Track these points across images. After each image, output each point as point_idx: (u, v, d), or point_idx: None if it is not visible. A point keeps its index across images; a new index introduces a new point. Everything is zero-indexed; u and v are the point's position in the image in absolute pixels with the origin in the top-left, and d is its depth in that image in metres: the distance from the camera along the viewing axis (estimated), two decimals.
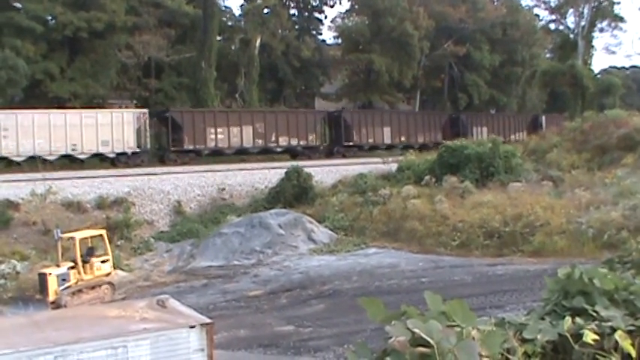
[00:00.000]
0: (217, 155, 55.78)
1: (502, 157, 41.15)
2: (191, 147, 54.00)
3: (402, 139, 66.74)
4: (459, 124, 71.31)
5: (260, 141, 57.79)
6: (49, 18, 57.72)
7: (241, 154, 57.17)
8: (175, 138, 53.67)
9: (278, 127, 58.84)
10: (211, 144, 55.07)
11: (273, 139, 58.60)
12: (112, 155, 50.27)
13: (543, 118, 79.28)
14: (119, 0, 59.30)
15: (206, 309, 21.91)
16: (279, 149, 59.43)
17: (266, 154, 58.35)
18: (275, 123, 58.84)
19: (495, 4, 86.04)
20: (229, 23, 73.05)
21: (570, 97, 74.60)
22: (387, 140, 65.97)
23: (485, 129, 71.47)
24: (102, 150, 49.55)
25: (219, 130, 55.30)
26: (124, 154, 50.50)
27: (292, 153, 59.69)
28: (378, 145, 64.65)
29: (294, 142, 59.78)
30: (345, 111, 67.61)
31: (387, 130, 66.35)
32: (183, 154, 53.67)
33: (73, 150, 48.17)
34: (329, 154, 61.63)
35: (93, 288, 26.04)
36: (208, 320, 13.65)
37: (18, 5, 56.73)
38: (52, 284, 24.64)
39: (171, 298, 15.08)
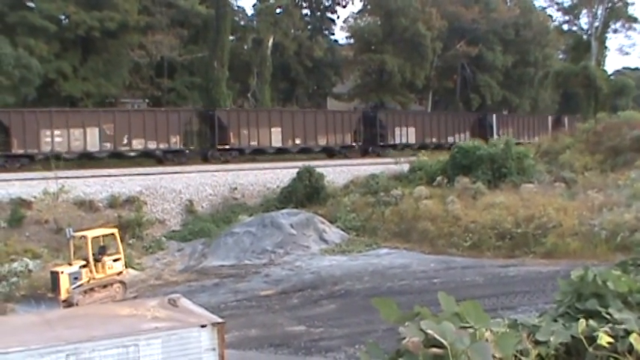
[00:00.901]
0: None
1: (514, 159, 41.01)
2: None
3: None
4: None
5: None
6: (63, 17, 57.94)
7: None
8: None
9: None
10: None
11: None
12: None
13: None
14: (132, 0, 59.45)
15: (217, 308, 21.93)
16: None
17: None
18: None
19: (508, 4, 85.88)
20: (242, 23, 73.12)
21: (583, 99, 74.34)
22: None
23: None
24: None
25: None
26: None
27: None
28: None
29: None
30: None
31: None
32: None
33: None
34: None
35: (105, 286, 26.11)
36: (220, 319, 13.65)
37: (31, 5, 56.92)
38: (64, 283, 24.71)
39: (182, 297, 15.10)
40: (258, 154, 57.56)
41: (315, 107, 74.01)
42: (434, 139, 67.73)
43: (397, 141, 65.23)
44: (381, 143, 64.11)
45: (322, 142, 60.84)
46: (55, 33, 55.56)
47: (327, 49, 78.00)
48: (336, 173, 46.92)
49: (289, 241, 34.83)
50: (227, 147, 55.30)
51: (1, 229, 33.69)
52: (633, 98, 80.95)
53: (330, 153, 61.29)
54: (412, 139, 66.48)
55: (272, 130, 57.49)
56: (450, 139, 66.48)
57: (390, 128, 65.30)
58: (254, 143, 56.75)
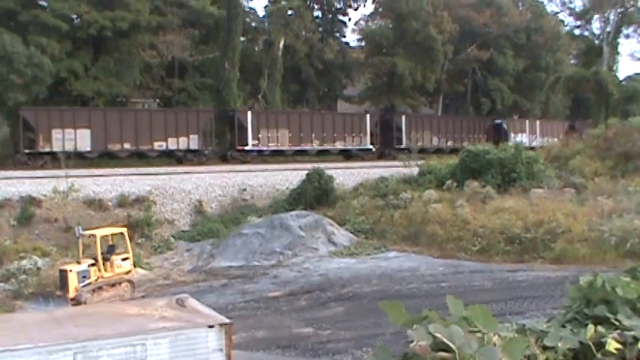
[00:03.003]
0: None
1: (524, 163, 40.93)
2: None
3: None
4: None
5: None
6: (75, 17, 58.01)
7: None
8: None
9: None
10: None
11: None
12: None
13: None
14: (144, 0, 59.55)
15: (225, 309, 21.93)
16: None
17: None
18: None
19: (520, 9, 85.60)
20: (253, 24, 73.10)
21: (594, 104, 74.21)
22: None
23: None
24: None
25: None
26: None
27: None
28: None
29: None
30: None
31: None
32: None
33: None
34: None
35: (113, 285, 26.17)
36: (227, 320, 13.66)
37: (44, 4, 57.10)
38: (73, 281, 24.78)
39: (190, 298, 15.12)
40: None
41: (325, 109, 73.97)
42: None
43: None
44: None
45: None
46: (67, 32, 55.63)
47: (338, 51, 77.85)
48: (345, 176, 46.92)
49: (298, 243, 34.83)
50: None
51: (11, 226, 33.86)
52: None
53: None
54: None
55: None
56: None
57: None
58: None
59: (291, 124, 58.31)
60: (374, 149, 63.67)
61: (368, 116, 66.01)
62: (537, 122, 78.12)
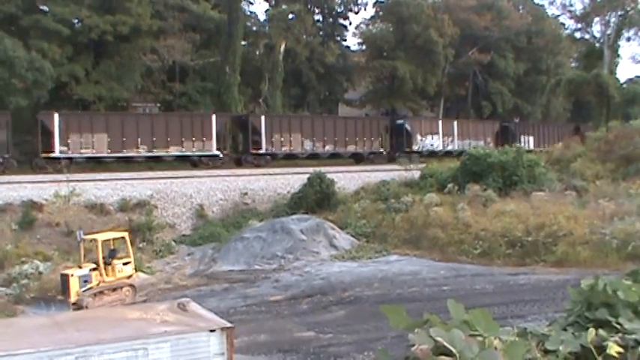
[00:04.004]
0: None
1: (525, 166, 40.91)
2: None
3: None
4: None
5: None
6: (76, 21, 58.14)
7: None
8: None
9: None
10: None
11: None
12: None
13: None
14: (145, 4, 59.60)
15: (226, 313, 21.92)
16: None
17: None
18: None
19: (521, 12, 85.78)
20: (254, 28, 73.28)
21: (595, 107, 74.22)
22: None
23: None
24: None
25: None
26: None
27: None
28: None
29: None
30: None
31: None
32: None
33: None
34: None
35: (114, 290, 26.14)
36: (229, 324, 13.65)
37: (45, 8, 57.20)
38: (74, 285, 24.76)
39: (192, 302, 15.11)
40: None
41: (326, 113, 74.07)
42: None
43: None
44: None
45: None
46: (68, 36, 55.75)
47: (338, 55, 78.04)
48: (346, 179, 46.93)
49: (299, 247, 34.81)
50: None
51: (13, 231, 33.82)
52: None
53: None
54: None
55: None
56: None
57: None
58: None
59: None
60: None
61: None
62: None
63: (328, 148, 60.32)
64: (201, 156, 53.27)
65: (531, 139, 72.13)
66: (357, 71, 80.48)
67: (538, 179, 40.72)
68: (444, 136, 67.72)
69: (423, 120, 70.85)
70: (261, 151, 56.20)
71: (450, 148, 66.90)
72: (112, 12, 57.52)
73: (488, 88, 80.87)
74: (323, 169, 45.42)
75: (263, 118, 57.95)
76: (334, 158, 60.31)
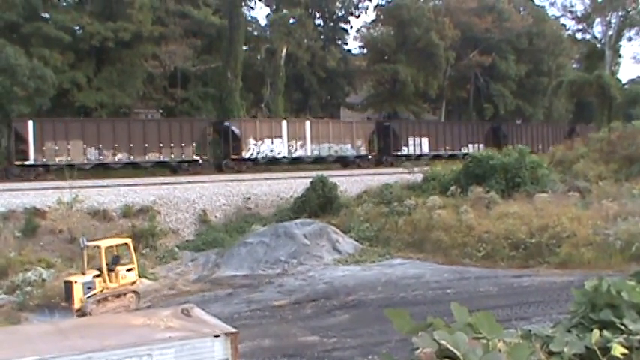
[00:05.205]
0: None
1: (528, 168, 40.90)
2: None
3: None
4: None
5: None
6: (77, 28, 58.25)
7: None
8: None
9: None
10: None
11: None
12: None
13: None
14: (146, 10, 59.68)
15: (230, 318, 21.90)
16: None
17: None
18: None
19: (521, 13, 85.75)
20: (255, 33, 73.37)
21: (597, 108, 74.06)
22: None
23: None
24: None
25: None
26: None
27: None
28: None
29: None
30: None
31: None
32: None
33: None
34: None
35: (118, 296, 26.15)
36: (233, 329, 13.66)
37: (46, 16, 57.33)
38: (78, 292, 24.76)
39: (196, 307, 15.13)
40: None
41: (328, 117, 74.04)
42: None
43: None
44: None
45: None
46: (70, 44, 55.87)
47: (340, 59, 78.06)
48: (349, 183, 46.93)
49: (302, 251, 34.80)
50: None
51: (16, 238, 33.87)
52: None
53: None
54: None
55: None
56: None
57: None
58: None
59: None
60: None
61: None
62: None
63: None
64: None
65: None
66: (359, 75, 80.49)
67: (541, 181, 40.70)
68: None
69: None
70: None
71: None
72: (113, 19, 57.63)
73: (489, 90, 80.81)
74: (326, 173, 45.43)
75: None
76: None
